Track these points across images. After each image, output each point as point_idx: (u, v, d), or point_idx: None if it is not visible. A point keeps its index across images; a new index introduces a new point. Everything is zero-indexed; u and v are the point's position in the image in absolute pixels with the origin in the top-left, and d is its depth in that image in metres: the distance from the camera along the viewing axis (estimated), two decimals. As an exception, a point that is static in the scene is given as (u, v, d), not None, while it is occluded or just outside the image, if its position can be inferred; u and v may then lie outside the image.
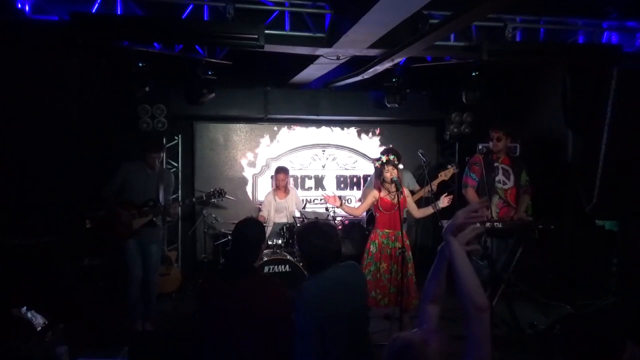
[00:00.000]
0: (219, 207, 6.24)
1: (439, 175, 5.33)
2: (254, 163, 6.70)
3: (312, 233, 2.51)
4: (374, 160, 4.66)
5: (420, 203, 5.45)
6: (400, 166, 4.37)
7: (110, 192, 4.49)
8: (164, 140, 6.27)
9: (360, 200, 6.55)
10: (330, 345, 2.34)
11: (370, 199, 4.47)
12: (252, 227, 2.65)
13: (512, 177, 4.79)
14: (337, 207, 4.44)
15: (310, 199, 6.64)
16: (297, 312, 2.39)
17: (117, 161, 4.64)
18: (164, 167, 6.30)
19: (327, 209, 5.85)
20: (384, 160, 4.43)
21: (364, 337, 2.50)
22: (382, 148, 6.80)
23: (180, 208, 5.09)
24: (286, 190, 5.90)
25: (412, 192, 5.06)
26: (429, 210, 4.39)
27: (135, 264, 4.58)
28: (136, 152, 4.70)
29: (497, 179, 4.74)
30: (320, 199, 6.63)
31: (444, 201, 4.34)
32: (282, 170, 5.87)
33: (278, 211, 5.83)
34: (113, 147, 5.90)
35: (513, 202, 4.78)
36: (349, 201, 6.84)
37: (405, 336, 1.74)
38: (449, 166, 5.55)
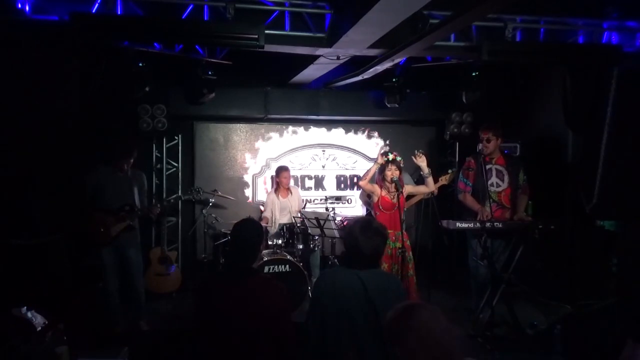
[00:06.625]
0: (219, 207, 6.25)
1: (439, 179, 5.28)
2: (254, 163, 6.70)
3: (359, 228, 2.45)
4: (381, 155, 4.65)
5: (420, 203, 5.47)
6: (390, 155, 4.55)
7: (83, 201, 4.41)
8: (164, 140, 6.31)
9: (360, 197, 6.60)
10: (331, 340, 2.35)
11: (374, 189, 4.59)
12: (249, 228, 2.63)
13: (506, 178, 4.73)
14: (377, 162, 4.68)
15: (311, 199, 6.64)
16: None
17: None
18: (164, 166, 6.34)
19: (327, 208, 5.85)
20: (390, 159, 4.46)
21: (373, 349, 2.28)
22: (381, 148, 6.86)
23: (159, 209, 4.99)
24: (288, 189, 5.90)
25: (412, 195, 5.05)
26: (432, 182, 4.65)
27: (111, 276, 4.52)
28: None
29: (490, 181, 4.64)
30: (321, 199, 6.63)
31: (419, 160, 4.54)
32: (285, 169, 5.88)
33: (281, 211, 5.82)
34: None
35: (507, 204, 4.72)
36: (349, 201, 6.89)
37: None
38: (450, 170, 5.54)
